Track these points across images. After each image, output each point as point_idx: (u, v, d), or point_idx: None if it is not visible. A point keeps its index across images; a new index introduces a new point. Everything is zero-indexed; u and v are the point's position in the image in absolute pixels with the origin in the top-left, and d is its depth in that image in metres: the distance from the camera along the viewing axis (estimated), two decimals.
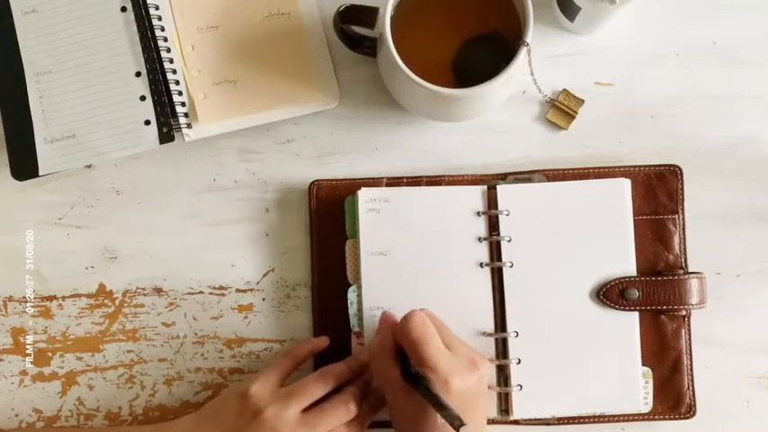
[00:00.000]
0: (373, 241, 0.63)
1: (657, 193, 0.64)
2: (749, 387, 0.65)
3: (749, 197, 0.67)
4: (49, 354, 0.66)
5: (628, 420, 0.63)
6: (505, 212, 0.63)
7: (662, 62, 0.68)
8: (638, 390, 0.62)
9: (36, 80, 0.65)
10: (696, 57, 0.68)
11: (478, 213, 0.63)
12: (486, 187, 0.64)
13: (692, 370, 0.64)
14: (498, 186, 0.63)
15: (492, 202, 0.63)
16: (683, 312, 0.63)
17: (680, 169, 0.65)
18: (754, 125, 0.67)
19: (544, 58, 0.67)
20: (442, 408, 0.52)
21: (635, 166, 0.65)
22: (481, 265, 0.63)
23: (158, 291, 0.66)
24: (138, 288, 0.66)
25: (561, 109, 0.67)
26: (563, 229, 0.63)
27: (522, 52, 0.57)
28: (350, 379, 0.60)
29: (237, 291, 0.66)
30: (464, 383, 0.54)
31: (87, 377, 0.66)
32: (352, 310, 0.63)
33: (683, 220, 0.65)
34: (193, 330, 0.66)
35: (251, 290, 0.66)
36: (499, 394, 0.62)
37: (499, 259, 0.63)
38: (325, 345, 0.63)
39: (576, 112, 0.66)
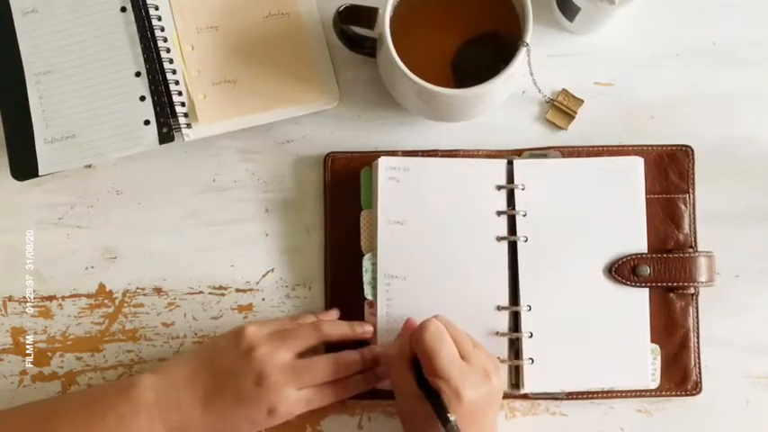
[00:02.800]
0: (391, 210, 0.63)
1: (669, 173, 0.65)
2: (749, 387, 0.65)
3: (749, 197, 0.67)
4: (49, 354, 0.66)
5: (636, 396, 0.64)
6: (521, 187, 0.63)
7: (662, 62, 0.68)
8: (646, 366, 0.62)
9: (36, 80, 0.65)
10: (696, 57, 0.68)
11: (499, 187, 0.63)
12: (505, 161, 0.64)
13: (698, 348, 0.64)
14: (515, 161, 0.64)
15: (509, 176, 0.64)
16: (692, 290, 0.63)
17: (691, 149, 0.65)
18: (754, 125, 0.67)
19: (544, 58, 0.67)
20: (444, 421, 0.53)
21: (647, 146, 0.65)
22: (498, 239, 0.63)
23: (158, 291, 0.66)
24: (137, 288, 0.66)
25: (561, 109, 0.67)
26: (577, 206, 0.63)
27: (522, 52, 0.57)
28: (360, 371, 0.61)
29: (237, 291, 0.66)
30: (475, 394, 0.55)
31: (87, 377, 0.66)
32: (366, 277, 0.63)
33: (694, 199, 0.65)
34: (193, 330, 0.66)
35: (251, 290, 0.66)
36: (510, 367, 0.62)
37: (514, 233, 0.63)
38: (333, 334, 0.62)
39: (576, 112, 0.66)
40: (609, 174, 0.63)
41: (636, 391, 0.63)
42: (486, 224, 0.63)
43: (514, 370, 0.63)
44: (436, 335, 0.55)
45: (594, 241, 0.63)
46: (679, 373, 0.64)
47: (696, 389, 0.64)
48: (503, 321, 0.62)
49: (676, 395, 0.64)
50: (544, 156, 0.65)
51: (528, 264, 0.63)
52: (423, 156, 0.65)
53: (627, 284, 0.62)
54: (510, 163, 0.64)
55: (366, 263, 0.63)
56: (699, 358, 0.64)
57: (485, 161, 0.64)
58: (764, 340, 0.66)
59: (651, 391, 0.63)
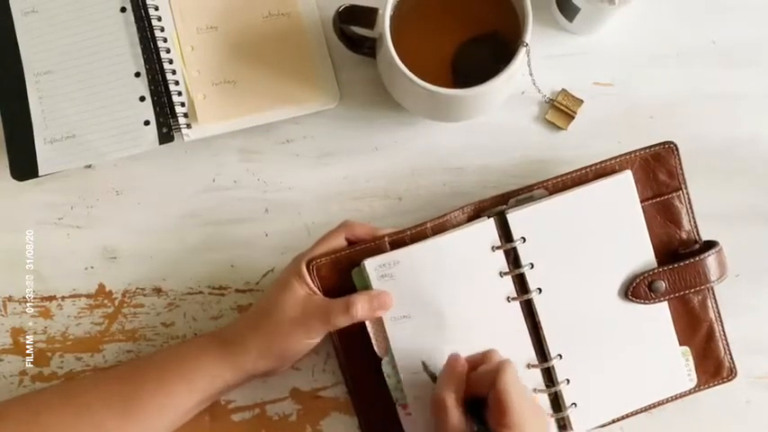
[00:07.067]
0: (394, 307, 0.59)
1: (657, 174, 0.62)
2: (749, 387, 0.65)
3: (749, 197, 0.67)
4: (49, 354, 0.66)
5: (676, 399, 0.63)
6: (521, 240, 0.60)
7: (662, 62, 0.68)
8: (681, 370, 0.62)
9: (36, 80, 0.65)
10: (696, 57, 0.68)
11: (493, 248, 0.60)
12: (492, 220, 0.60)
13: (725, 334, 0.63)
14: (508, 216, 0.60)
15: (505, 233, 0.60)
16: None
17: (675, 145, 0.62)
18: (755, 125, 0.67)
19: (543, 58, 0.67)
20: None
21: (629, 153, 0.62)
22: (508, 299, 0.60)
23: (158, 291, 0.66)
24: (137, 288, 0.66)
25: (560, 109, 0.67)
26: (580, 240, 0.61)
27: (522, 52, 0.57)
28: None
29: (237, 291, 0.66)
30: None
31: None
32: (391, 383, 0.60)
33: (688, 193, 0.63)
34: (193, 330, 0.66)
35: (250, 290, 0.66)
36: (557, 419, 0.62)
37: (524, 287, 0.61)
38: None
39: (575, 113, 0.66)
40: (602, 197, 0.61)
41: (677, 394, 0.63)
42: (490, 289, 0.60)
43: (560, 419, 0.62)
44: (514, 380, 0.52)
45: (605, 269, 0.61)
46: (712, 365, 0.63)
47: (731, 374, 0.64)
48: (536, 377, 0.61)
49: (714, 385, 0.63)
50: (530, 198, 0.62)
51: (548, 314, 0.61)
52: (411, 235, 0.60)
53: (646, 303, 0.61)
54: (499, 217, 0.60)
55: (386, 368, 0.60)
56: (727, 344, 0.63)
57: (471, 228, 0.60)
58: (764, 340, 0.66)
59: (690, 389, 0.63)
